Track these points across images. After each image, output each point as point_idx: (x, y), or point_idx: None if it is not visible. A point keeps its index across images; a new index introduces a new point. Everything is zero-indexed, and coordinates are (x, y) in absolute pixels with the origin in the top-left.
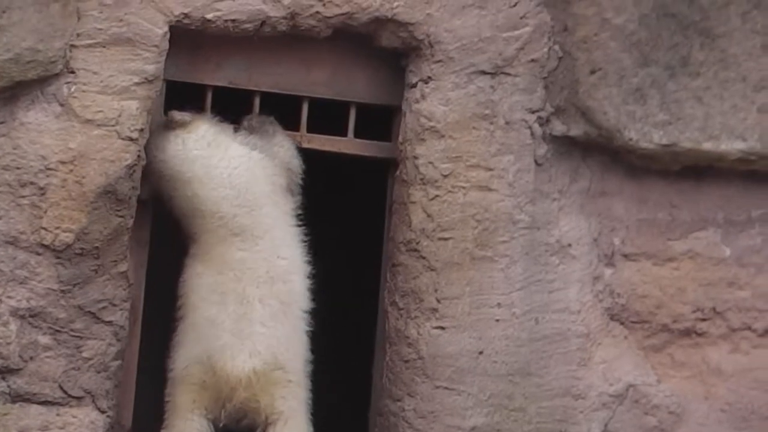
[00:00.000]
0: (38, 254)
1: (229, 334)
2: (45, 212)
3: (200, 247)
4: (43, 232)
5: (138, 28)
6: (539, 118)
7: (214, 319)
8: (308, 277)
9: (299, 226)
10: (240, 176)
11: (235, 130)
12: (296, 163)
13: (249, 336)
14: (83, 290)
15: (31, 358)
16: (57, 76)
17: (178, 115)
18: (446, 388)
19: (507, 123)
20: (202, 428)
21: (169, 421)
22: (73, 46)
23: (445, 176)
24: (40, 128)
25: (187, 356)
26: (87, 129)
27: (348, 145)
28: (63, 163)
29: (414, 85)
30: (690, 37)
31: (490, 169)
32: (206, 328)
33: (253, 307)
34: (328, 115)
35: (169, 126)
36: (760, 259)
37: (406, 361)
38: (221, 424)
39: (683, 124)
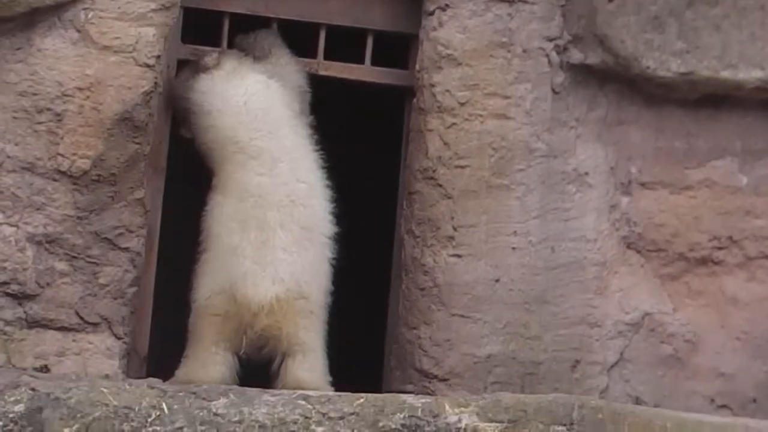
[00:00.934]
0: (55, 180)
1: (251, 261)
2: (62, 138)
3: (220, 177)
4: (59, 158)
5: None
6: (556, 46)
7: (236, 246)
8: (330, 202)
9: (317, 150)
10: (256, 102)
11: (256, 60)
12: (305, 84)
13: (271, 263)
14: (100, 217)
15: (48, 284)
16: (74, 2)
17: (209, 59)
18: (462, 316)
19: (524, 51)
20: (225, 361)
21: (191, 352)
22: None
23: (462, 104)
24: (57, 55)
25: (209, 287)
26: (104, 55)
27: (365, 72)
28: (80, 89)
29: (431, 13)
30: None
31: (507, 97)
32: (228, 256)
33: (275, 233)
34: (345, 43)
35: (200, 69)
36: None
37: (422, 289)
38: (242, 352)
39: (701, 53)
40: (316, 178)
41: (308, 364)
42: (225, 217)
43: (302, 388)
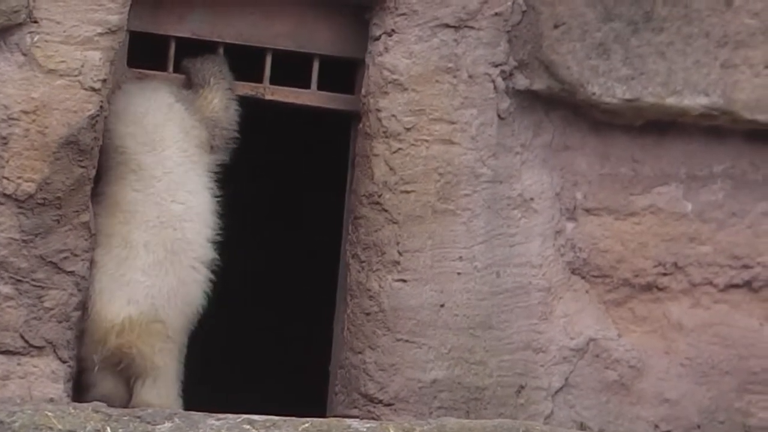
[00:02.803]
0: (0, 204)
1: (109, 278)
2: (7, 162)
3: (100, 187)
4: (5, 181)
5: None
6: (502, 71)
7: (98, 261)
8: (211, 228)
9: (215, 179)
10: (153, 117)
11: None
12: (225, 119)
13: (128, 282)
14: (45, 240)
15: None
16: (20, 25)
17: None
18: (407, 341)
19: (470, 76)
20: (105, 378)
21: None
22: None
23: (408, 129)
24: (2, 78)
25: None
26: (50, 79)
27: (311, 97)
28: (25, 113)
29: (377, 38)
30: None
31: (453, 123)
32: (91, 270)
33: (138, 253)
34: (291, 68)
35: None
36: (722, 214)
37: (368, 314)
38: (96, 369)
39: (646, 79)
40: (197, 202)
41: (157, 389)
42: (98, 231)
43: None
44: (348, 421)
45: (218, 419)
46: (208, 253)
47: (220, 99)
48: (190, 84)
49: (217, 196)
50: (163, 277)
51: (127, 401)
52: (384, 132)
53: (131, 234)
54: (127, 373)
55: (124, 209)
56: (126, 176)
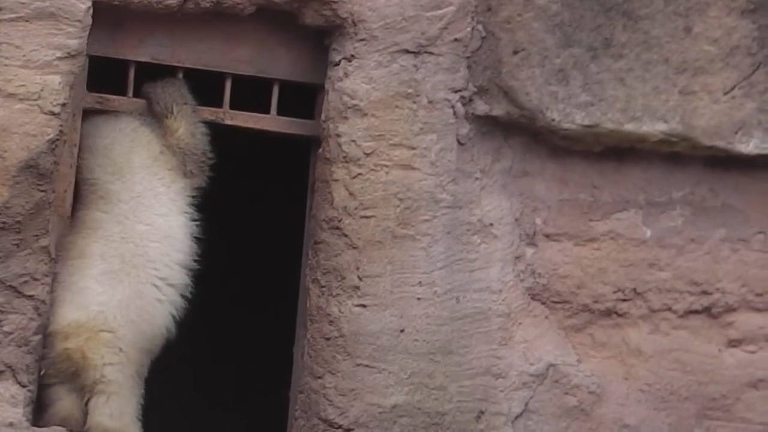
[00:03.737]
0: None
1: (60, 286)
2: None
3: (74, 214)
4: None
5: (61, 2)
6: (462, 97)
7: (57, 273)
8: (184, 254)
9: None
10: (120, 145)
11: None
12: (194, 145)
13: (80, 290)
14: (5, 264)
15: None
16: None
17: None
18: (367, 365)
19: (430, 102)
20: (60, 396)
21: None
22: None
23: (368, 155)
24: None
25: None
26: (9, 103)
27: (271, 122)
28: None
29: (337, 64)
30: (613, 18)
31: (413, 148)
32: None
33: (92, 262)
34: (251, 93)
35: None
36: (681, 240)
37: (328, 339)
38: (42, 372)
39: (605, 106)
40: (167, 224)
41: (110, 408)
42: (63, 250)
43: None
44: None
45: None
46: (177, 276)
47: (185, 127)
48: (151, 109)
49: (195, 220)
50: (116, 286)
51: (84, 425)
52: (344, 157)
53: (89, 246)
54: (81, 389)
55: (88, 227)
56: (95, 202)
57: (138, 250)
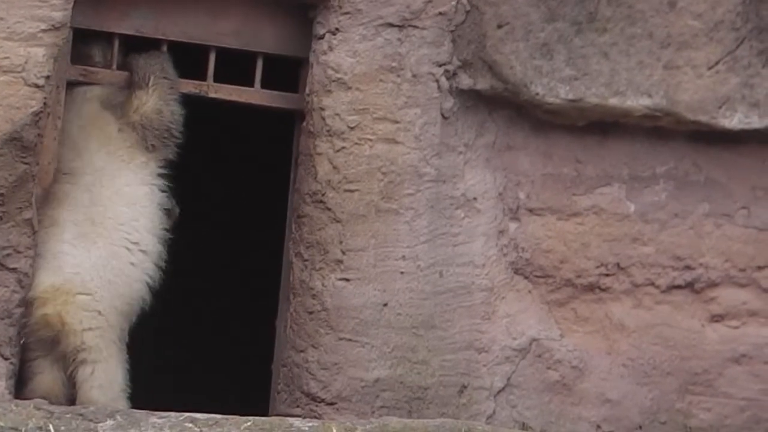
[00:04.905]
0: None
1: (38, 255)
2: None
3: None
4: None
5: None
6: (446, 71)
7: (33, 246)
8: (150, 220)
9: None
10: (78, 128)
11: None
12: (158, 122)
13: (55, 255)
14: None
15: None
16: None
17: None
18: (350, 339)
19: (414, 76)
20: (41, 369)
21: None
22: None
23: (352, 128)
24: None
25: None
26: None
27: (255, 95)
28: None
29: (321, 37)
30: None
31: (397, 122)
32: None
33: (64, 228)
34: (235, 66)
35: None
36: (665, 215)
37: (311, 313)
38: (21, 341)
39: (589, 80)
40: (132, 192)
41: (99, 380)
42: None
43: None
44: (290, 420)
45: (161, 417)
46: (148, 242)
47: (155, 100)
48: (131, 80)
49: (163, 191)
50: (90, 248)
51: (67, 399)
52: (327, 131)
53: (61, 215)
54: (63, 358)
55: (57, 198)
56: (61, 177)
57: (107, 213)
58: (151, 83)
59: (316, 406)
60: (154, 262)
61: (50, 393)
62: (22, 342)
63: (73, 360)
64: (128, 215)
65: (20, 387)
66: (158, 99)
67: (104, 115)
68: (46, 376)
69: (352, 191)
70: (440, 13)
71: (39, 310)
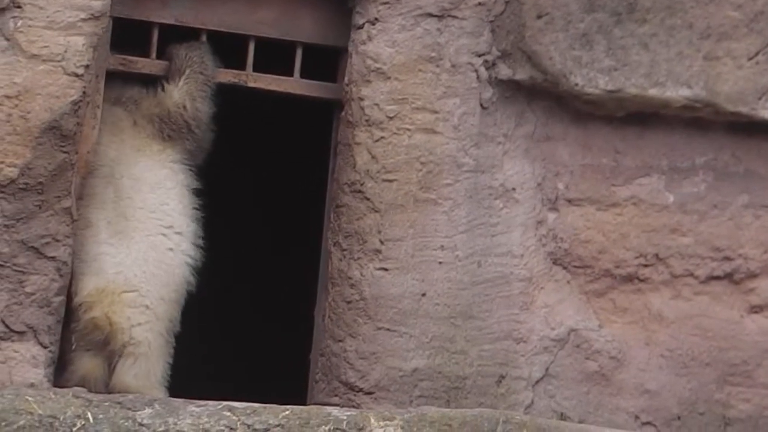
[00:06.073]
0: None
1: (78, 259)
2: None
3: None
4: None
5: None
6: (485, 61)
7: (75, 246)
8: (179, 201)
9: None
10: (113, 125)
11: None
12: (177, 115)
13: (95, 258)
14: (27, 225)
15: None
16: (3, 10)
17: None
18: (388, 329)
19: (453, 66)
20: (80, 359)
21: None
22: None
23: (391, 118)
24: None
25: None
26: (32, 64)
27: (294, 85)
28: (8, 97)
29: (360, 27)
30: None
31: (436, 112)
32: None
33: (99, 229)
34: (274, 56)
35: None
36: (703, 206)
37: (349, 302)
38: (73, 347)
39: (629, 71)
40: (153, 177)
41: (137, 369)
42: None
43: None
44: (328, 409)
45: (199, 406)
46: (181, 223)
47: (181, 95)
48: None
49: (192, 170)
50: (128, 244)
51: (105, 384)
52: (366, 120)
53: (92, 214)
54: (110, 354)
55: (88, 194)
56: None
57: (136, 203)
58: (184, 76)
59: (354, 395)
60: (192, 241)
61: (88, 378)
62: (74, 347)
63: (121, 355)
64: (156, 200)
65: (59, 372)
66: (186, 94)
67: (114, 111)
68: (85, 361)
69: (390, 181)
70: (479, 3)
71: (86, 314)
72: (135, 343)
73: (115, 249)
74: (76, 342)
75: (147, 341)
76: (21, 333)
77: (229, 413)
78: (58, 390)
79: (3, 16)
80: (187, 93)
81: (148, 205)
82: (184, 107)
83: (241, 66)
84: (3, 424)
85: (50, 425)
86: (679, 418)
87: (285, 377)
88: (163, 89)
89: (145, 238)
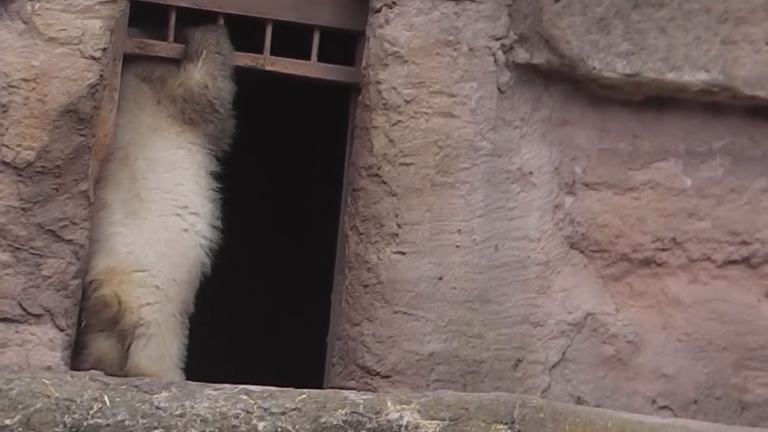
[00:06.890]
0: None
1: (92, 239)
2: (7, 130)
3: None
4: (4, 149)
5: None
6: (503, 45)
7: (89, 218)
8: (195, 182)
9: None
10: (135, 104)
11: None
12: (199, 97)
13: (107, 238)
14: (44, 208)
15: None
16: None
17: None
18: (405, 313)
19: (470, 50)
20: (96, 341)
21: None
22: None
23: (408, 102)
24: (2, 45)
25: None
26: (50, 47)
27: (311, 68)
28: (25, 80)
29: (378, 10)
30: None
31: (453, 96)
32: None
33: (112, 209)
34: (291, 39)
35: None
36: (721, 190)
37: (366, 286)
38: (82, 324)
39: (646, 55)
40: (169, 157)
41: (150, 350)
42: None
43: (144, 376)
44: (345, 392)
45: (215, 389)
46: (197, 203)
47: (202, 75)
48: (186, 52)
49: (211, 152)
50: (141, 224)
51: (122, 368)
52: (384, 104)
53: (108, 195)
54: (122, 335)
55: (104, 177)
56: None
57: (151, 184)
58: (202, 57)
59: (371, 379)
60: (208, 222)
61: (103, 359)
62: (83, 325)
63: (132, 335)
64: (171, 180)
65: (76, 353)
66: (206, 74)
67: (142, 88)
68: (101, 343)
69: (407, 165)
70: None
71: (96, 292)
72: (144, 323)
73: (128, 229)
74: (85, 320)
75: (156, 322)
76: (38, 316)
77: (246, 397)
78: (74, 373)
79: None
80: (207, 72)
81: (163, 186)
82: (206, 86)
83: (258, 50)
84: (20, 407)
85: (67, 408)
86: (695, 402)
87: (302, 361)
88: (181, 70)
89: (158, 218)
